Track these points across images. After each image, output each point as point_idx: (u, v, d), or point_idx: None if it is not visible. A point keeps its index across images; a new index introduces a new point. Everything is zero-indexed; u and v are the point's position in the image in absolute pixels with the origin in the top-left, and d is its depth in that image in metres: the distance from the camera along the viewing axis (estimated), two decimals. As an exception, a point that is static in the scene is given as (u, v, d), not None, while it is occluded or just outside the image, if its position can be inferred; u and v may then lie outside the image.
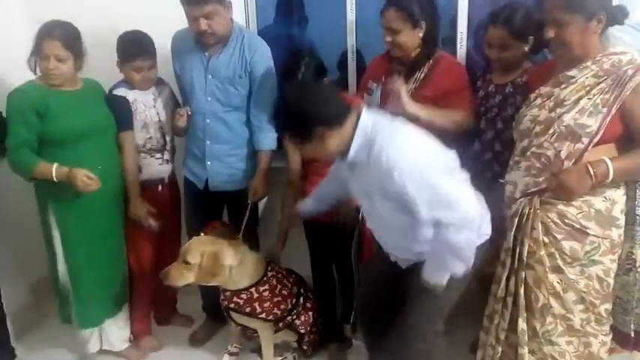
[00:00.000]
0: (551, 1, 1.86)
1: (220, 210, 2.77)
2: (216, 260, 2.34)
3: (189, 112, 2.57)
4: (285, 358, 2.66)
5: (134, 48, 2.47)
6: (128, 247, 2.64)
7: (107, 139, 2.46)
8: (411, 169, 1.72)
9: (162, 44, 2.58)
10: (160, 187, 2.65)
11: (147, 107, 2.56)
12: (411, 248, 1.94)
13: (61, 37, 2.27)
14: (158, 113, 2.59)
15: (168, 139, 2.64)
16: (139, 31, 2.50)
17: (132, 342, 2.76)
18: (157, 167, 2.62)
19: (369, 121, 1.81)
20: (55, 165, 2.26)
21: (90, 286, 2.49)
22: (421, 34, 2.36)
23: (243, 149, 2.62)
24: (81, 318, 2.54)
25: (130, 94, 2.52)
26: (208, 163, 2.61)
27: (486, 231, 1.96)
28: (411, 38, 2.35)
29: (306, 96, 1.85)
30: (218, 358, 2.72)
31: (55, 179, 2.26)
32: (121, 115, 2.50)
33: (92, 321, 2.58)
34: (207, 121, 2.56)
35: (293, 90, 2.00)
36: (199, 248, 2.34)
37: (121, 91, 2.52)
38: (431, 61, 2.42)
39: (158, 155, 2.61)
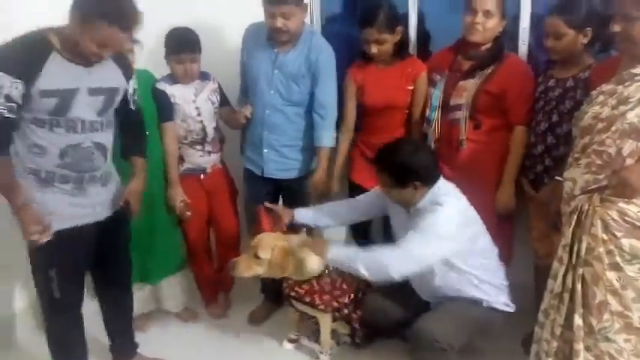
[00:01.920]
0: None
1: (276, 197, 2.89)
2: (286, 255, 2.42)
3: (251, 114, 2.71)
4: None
5: (178, 42, 2.62)
6: (182, 225, 2.86)
7: (152, 126, 2.59)
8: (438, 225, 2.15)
9: (216, 41, 2.76)
10: (201, 176, 2.82)
11: (186, 102, 2.69)
12: (434, 292, 2.36)
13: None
14: (198, 108, 2.72)
15: (209, 132, 2.76)
16: (185, 27, 2.66)
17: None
18: (197, 158, 2.79)
19: (442, 184, 2.26)
20: None
21: (139, 251, 2.64)
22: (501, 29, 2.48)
23: (298, 141, 2.75)
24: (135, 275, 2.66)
25: (169, 89, 2.67)
26: (265, 151, 2.75)
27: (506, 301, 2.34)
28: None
29: (418, 152, 2.24)
30: (276, 339, 2.83)
31: None
32: (161, 107, 2.65)
33: (145, 279, 2.79)
34: (267, 112, 2.69)
35: (408, 144, 2.33)
36: (270, 243, 2.41)
37: (161, 85, 2.67)
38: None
39: (199, 147, 2.77)
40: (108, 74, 2.09)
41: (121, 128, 2.31)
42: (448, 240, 2.18)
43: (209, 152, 2.80)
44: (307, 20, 2.94)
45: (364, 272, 2.17)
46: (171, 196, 2.72)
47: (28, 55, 1.89)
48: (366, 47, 2.64)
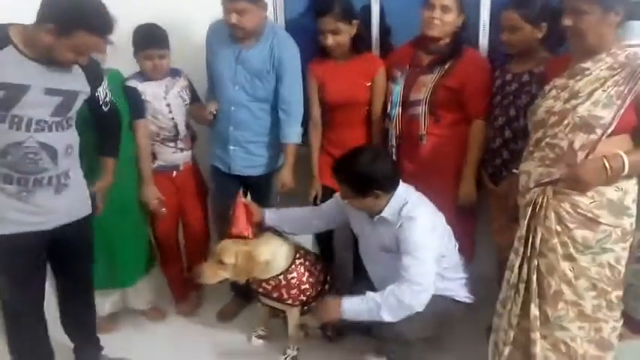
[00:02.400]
0: None
1: (244, 194, 2.89)
2: (250, 258, 2.44)
3: (216, 110, 2.72)
4: (287, 355, 2.67)
5: (145, 38, 2.62)
6: (153, 224, 2.86)
7: (124, 125, 2.56)
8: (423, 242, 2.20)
9: (185, 38, 2.75)
10: (174, 173, 2.82)
11: (157, 99, 2.69)
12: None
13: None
14: (169, 104, 2.71)
15: (181, 129, 2.76)
16: (152, 23, 2.65)
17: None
18: (170, 155, 2.79)
19: (403, 191, 2.28)
20: None
21: (111, 254, 2.65)
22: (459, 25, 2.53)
23: (264, 137, 2.75)
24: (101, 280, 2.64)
25: (140, 86, 2.67)
26: (231, 148, 2.75)
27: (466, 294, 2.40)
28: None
29: (377, 161, 2.23)
30: (245, 334, 2.86)
31: None
32: (132, 104, 2.64)
33: (115, 284, 2.78)
34: (232, 108, 2.69)
35: (366, 153, 2.27)
36: (233, 248, 2.44)
37: (132, 83, 2.66)
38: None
39: (171, 144, 2.77)
40: (69, 77, 2.05)
41: (96, 129, 2.33)
42: (432, 249, 2.23)
43: (181, 149, 2.80)
44: (271, 17, 2.94)
45: (390, 319, 2.17)
46: (145, 193, 2.71)
47: None
48: (322, 38, 2.64)
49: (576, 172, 1.91)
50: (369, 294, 2.22)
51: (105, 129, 2.37)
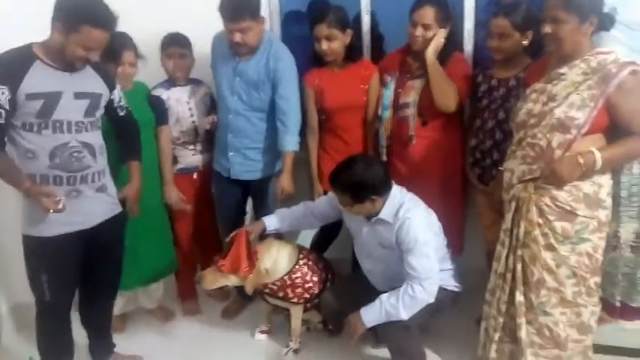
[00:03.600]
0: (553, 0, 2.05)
1: (245, 198, 3.05)
2: (258, 273, 2.57)
3: (215, 120, 2.92)
4: (290, 348, 2.79)
5: (168, 38, 2.85)
6: (172, 226, 3.00)
7: (147, 132, 2.75)
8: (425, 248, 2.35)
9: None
10: (195, 175, 3.01)
11: (180, 104, 2.89)
12: (393, 282, 2.45)
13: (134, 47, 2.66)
14: (191, 109, 2.92)
15: (201, 132, 2.96)
16: (176, 32, 2.87)
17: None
18: (190, 157, 2.97)
19: (397, 192, 2.43)
20: None
21: (135, 256, 2.76)
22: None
23: (261, 143, 2.87)
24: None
25: (165, 94, 2.87)
26: (230, 154, 2.88)
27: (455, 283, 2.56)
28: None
29: (370, 168, 2.37)
30: (248, 331, 2.99)
31: None
32: (157, 112, 2.82)
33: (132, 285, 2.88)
34: (230, 116, 2.82)
35: (359, 163, 2.40)
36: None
37: (157, 91, 2.87)
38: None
39: (191, 147, 2.96)
40: (90, 81, 2.25)
41: (116, 135, 2.51)
42: (430, 244, 2.39)
43: (200, 151, 2.98)
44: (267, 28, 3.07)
45: (407, 316, 2.34)
46: (169, 195, 2.87)
47: (13, 63, 2.06)
48: (317, 46, 2.75)
49: (554, 167, 2.06)
50: (383, 298, 2.38)
51: (125, 133, 2.53)
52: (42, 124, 2.11)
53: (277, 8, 3.25)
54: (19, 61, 2.08)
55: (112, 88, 2.36)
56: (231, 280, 2.59)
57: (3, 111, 2.04)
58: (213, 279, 2.57)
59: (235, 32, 2.61)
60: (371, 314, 2.38)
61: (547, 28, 2.07)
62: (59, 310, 2.35)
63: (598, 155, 2.01)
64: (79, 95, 2.19)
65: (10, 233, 2.44)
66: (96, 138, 2.29)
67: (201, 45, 2.92)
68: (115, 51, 2.53)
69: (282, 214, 2.76)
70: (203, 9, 2.70)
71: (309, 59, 2.88)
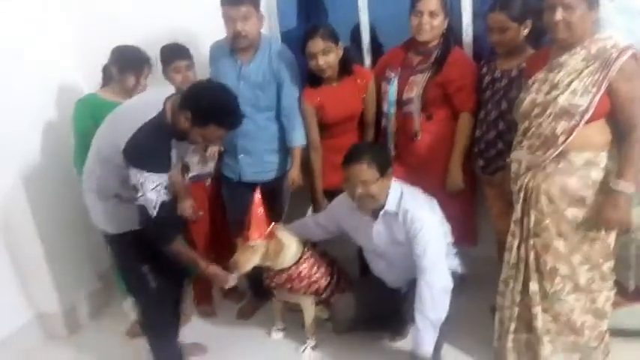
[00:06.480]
0: None
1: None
2: (277, 242, 2.60)
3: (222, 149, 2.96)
4: (308, 345, 2.84)
5: (172, 51, 2.85)
6: (186, 232, 3.00)
7: None
8: (433, 231, 2.38)
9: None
10: (206, 183, 3.03)
11: None
12: (405, 278, 2.53)
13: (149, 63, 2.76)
14: None
15: None
16: (175, 42, 2.88)
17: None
18: (201, 165, 2.98)
19: (394, 183, 2.47)
20: None
21: None
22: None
23: (271, 144, 2.90)
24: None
25: None
26: (240, 156, 2.90)
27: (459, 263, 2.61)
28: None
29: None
30: (265, 330, 3.03)
31: None
32: None
33: None
34: None
35: (364, 142, 2.73)
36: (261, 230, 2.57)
37: None
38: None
39: (202, 154, 2.95)
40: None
41: None
42: (441, 239, 2.44)
43: (211, 158, 3.00)
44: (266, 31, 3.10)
45: (440, 312, 2.35)
46: (183, 207, 2.86)
47: (164, 152, 2.20)
48: (313, 64, 2.73)
49: (604, 218, 2.08)
50: (416, 319, 2.34)
51: None
52: None
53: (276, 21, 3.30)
54: (166, 148, 2.21)
55: None
56: (260, 256, 2.57)
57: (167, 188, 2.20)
58: (246, 259, 2.54)
59: (237, 21, 2.65)
60: (423, 339, 2.35)
61: (558, 15, 2.04)
62: (168, 295, 2.48)
63: (628, 183, 2.03)
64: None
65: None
66: None
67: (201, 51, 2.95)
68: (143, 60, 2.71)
69: (291, 227, 2.81)
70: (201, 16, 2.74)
71: (306, 63, 2.84)
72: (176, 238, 2.27)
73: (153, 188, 2.12)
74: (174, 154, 2.24)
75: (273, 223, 2.62)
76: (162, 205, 2.14)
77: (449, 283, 2.37)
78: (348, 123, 2.88)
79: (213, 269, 2.36)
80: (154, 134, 2.14)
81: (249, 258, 2.55)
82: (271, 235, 2.59)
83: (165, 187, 2.16)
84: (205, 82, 2.51)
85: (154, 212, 2.14)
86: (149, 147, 2.13)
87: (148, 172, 2.11)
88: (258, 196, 2.56)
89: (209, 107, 2.13)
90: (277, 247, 2.60)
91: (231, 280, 2.40)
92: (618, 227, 2.12)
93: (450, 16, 2.71)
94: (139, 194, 2.12)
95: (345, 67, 2.82)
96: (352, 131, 2.91)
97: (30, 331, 3.15)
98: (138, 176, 2.11)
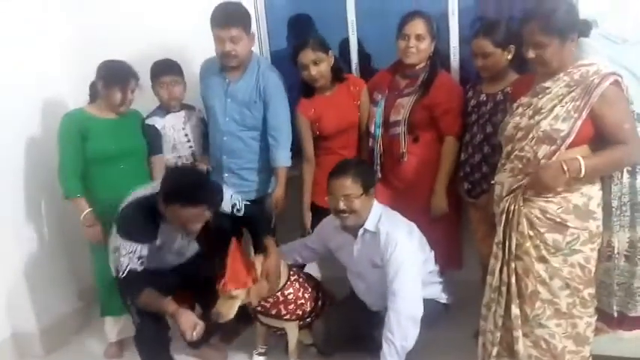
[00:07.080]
0: (530, 25, 2.07)
1: (240, 218, 3.03)
2: (258, 283, 2.56)
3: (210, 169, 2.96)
4: None
5: (159, 66, 2.87)
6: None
7: (140, 161, 2.80)
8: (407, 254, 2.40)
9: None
10: None
11: (176, 130, 2.91)
12: (383, 302, 2.47)
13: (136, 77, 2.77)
14: (187, 135, 2.94)
15: (197, 157, 2.97)
16: (166, 58, 2.90)
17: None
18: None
19: (375, 203, 2.51)
20: (85, 212, 2.72)
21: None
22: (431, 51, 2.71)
23: (255, 163, 2.91)
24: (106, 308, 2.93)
25: (160, 122, 2.89)
26: (225, 175, 2.90)
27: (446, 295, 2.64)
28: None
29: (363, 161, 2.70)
30: (247, 354, 2.97)
31: (81, 221, 2.73)
32: (151, 141, 2.87)
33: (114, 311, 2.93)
34: (225, 138, 2.86)
35: (352, 159, 2.70)
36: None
37: (151, 120, 2.89)
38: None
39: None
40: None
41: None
42: (416, 264, 2.44)
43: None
44: (257, 50, 3.12)
45: (408, 340, 2.36)
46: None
47: (144, 225, 2.41)
48: (305, 75, 2.78)
49: (538, 174, 2.08)
50: (384, 343, 2.35)
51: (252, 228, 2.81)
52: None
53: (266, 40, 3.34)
54: (151, 225, 2.43)
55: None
56: (242, 299, 2.52)
57: (144, 260, 2.42)
58: (228, 308, 2.50)
59: (226, 41, 2.67)
60: None
61: (531, 54, 2.10)
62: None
63: (583, 162, 2.03)
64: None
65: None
66: None
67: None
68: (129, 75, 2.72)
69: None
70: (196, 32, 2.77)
71: (297, 80, 2.91)
72: (140, 296, 2.41)
73: (125, 254, 2.36)
74: (162, 232, 2.45)
75: (253, 255, 2.62)
76: (130, 272, 2.38)
77: (418, 312, 2.36)
78: (347, 136, 2.88)
79: (180, 316, 2.41)
80: (138, 208, 2.40)
81: (232, 306, 2.51)
82: (251, 282, 2.54)
83: (139, 258, 2.38)
84: (178, 166, 2.82)
85: (121, 275, 2.39)
86: (130, 217, 2.39)
87: (122, 238, 2.37)
88: (234, 244, 2.54)
89: (170, 188, 2.32)
90: (259, 289, 2.56)
91: (196, 334, 2.41)
92: (541, 189, 2.10)
93: (436, 40, 2.75)
94: (117, 255, 2.39)
95: (337, 74, 2.84)
96: (351, 147, 2.91)
97: (4, 350, 3.06)
98: (117, 240, 2.40)
